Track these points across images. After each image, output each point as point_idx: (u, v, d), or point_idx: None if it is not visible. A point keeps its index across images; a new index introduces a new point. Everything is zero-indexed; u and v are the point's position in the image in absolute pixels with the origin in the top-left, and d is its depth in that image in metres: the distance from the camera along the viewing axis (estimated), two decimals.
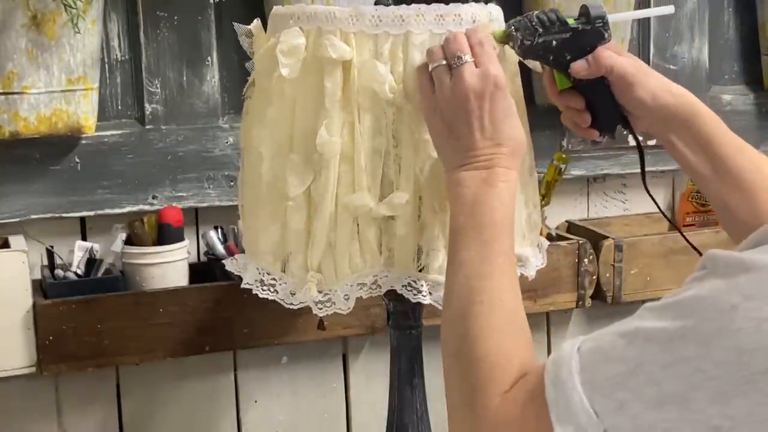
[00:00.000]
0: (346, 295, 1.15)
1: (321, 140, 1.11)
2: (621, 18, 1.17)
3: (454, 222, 1.01)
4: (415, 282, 1.15)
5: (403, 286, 1.15)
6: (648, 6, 1.98)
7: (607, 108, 1.16)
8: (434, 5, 1.11)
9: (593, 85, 1.14)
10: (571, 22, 1.12)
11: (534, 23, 1.11)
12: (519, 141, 1.05)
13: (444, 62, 1.05)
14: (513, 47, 1.13)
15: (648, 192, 1.23)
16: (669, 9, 1.22)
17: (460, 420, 0.91)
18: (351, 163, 1.13)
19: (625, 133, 1.21)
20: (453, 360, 0.93)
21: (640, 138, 1.20)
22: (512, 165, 1.03)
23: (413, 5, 1.12)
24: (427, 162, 1.12)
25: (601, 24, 1.12)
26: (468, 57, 1.04)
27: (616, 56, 1.12)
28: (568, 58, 1.13)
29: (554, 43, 1.11)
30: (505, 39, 1.12)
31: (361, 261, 1.15)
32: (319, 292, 1.16)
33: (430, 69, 1.07)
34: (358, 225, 1.14)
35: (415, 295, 1.15)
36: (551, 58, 1.13)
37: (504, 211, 1.00)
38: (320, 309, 1.16)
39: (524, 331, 0.93)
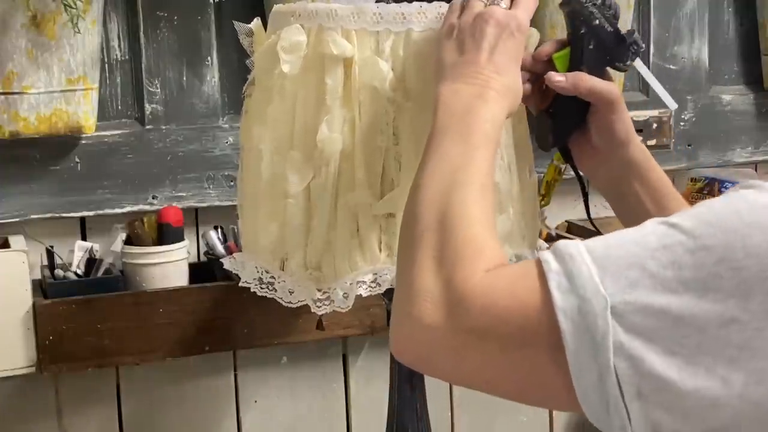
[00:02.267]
0: (345, 293, 1.14)
1: (322, 136, 1.11)
2: (644, 71, 1.18)
3: (440, 123, 0.97)
4: None
5: None
6: (648, 8, 1.99)
7: (571, 118, 1.14)
8: (435, 2, 1.11)
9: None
10: (624, 30, 1.12)
11: None
12: (518, 85, 1.04)
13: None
14: None
15: (591, 220, 1.24)
16: (673, 104, 1.22)
17: (426, 293, 0.82)
18: (351, 160, 1.13)
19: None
20: (431, 233, 0.86)
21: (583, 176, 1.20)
22: (507, 96, 1.01)
23: (415, 3, 1.11)
24: None
25: (633, 51, 1.11)
26: (504, 4, 1.05)
27: (598, 80, 1.11)
28: (590, 46, 1.11)
29: (596, 22, 1.10)
30: None
31: (361, 259, 1.15)
32: (319, 290, 1.16)
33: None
34: (357, 222, 1.14)
35: None
36: (581, 30, 1.10)
37: (493, 126, 0.97)
38: (319, 307, 1.16)
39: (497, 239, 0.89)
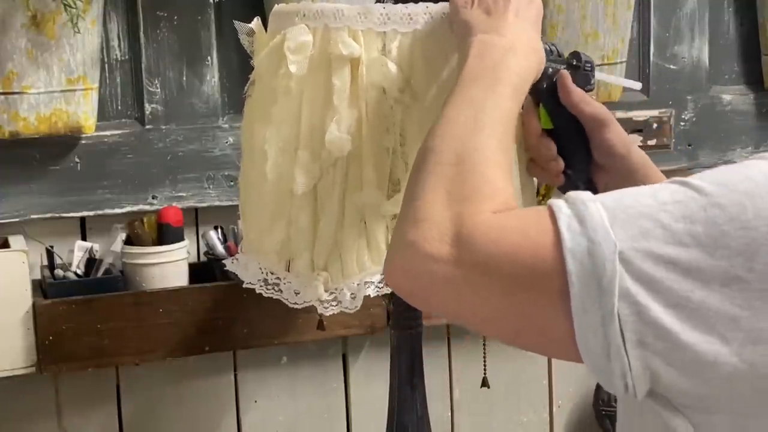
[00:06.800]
0: (353, 293, 1.14)
1: (331, 137, 1.11)
2: (603, 77, 1.20)
3: (470, 69, 0.96)
4: None
5: None
6: (648, 8, 1.99)
7: (581, 156, 1.14)
8: (442, 3, 1.11)
9: (572, 129, 1.13)
10: (565, 56, 1.13)
11: None
12: (542, 50, 1.03)
13: None
14: None
15: None
16: (637, 85, 1.24)
17: (433, 223, 0.80)
18: (359, 160, 1.12)
19: None
20: (448, 167, 0.85)
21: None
22: (534, 56, 1.01)
23: (421, 3, 1.11)
24: None
25: (589, 68, 1.13)
26: None
27: (590, 103, 1.12)
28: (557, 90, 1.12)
29: (549, 70, 1.11)
30: None
31: (369, 259, 1.14)
32: (326, 290, 1.15)
33: None
34: (365, 222, 1.14)
35: None
36: (545, 86, 1.11)
37: (522, 80, 0.97)
38: (326, 308, 1.15)
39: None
